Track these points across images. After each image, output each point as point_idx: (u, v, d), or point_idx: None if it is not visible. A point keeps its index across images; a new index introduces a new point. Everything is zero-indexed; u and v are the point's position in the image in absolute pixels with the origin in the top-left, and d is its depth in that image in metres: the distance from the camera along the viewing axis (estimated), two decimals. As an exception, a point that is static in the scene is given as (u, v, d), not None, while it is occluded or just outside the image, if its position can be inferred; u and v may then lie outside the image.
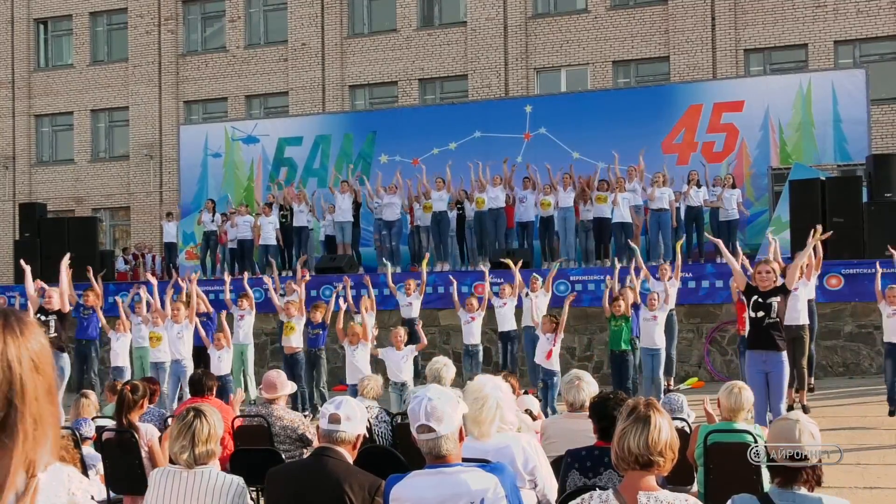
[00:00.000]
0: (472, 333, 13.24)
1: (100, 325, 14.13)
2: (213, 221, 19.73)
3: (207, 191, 22.60)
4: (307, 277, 14.69)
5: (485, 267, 15.60)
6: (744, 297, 8.96)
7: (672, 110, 19.68)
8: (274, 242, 18.78)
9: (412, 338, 12.96)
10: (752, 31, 22.85)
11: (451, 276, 14.46)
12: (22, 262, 10.56)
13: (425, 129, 21.17)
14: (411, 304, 14.38)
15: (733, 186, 17.02)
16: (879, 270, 11.79)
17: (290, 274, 18.97)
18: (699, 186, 17.03)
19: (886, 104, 21.70)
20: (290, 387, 7.62)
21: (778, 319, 8.50)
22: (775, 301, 8.46)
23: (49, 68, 29.55)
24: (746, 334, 9.64)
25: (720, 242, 10.38)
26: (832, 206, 15.44)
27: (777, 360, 8.46)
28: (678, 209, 17.10)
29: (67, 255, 10.67)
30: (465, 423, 3.90)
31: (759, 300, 8.50)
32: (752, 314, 8.53)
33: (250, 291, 14.40)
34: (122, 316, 13.43)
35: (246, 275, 14.66)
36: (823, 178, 16.35)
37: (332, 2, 26.15)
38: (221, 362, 12.43)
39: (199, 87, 27.59)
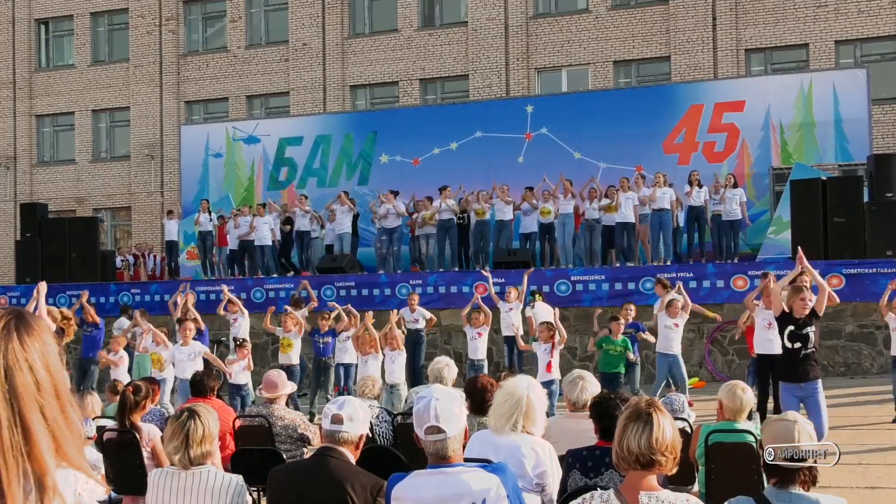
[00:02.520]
0: (478, 349, 13.26)
1: (101, 345, 14.20)
2: (210, 222, 19.72)
3: (208, 191, 22.61)
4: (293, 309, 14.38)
5: (486, 272, 15.53)
6: (775, 323, 8.41)
7: (673, 110, 19.67)
8: (269, 243, 18.80)
9: (415, 352, 13.39)
10: (753, 30, 22.84)
11: (475, 293, 14.34)
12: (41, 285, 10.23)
13: (426, 129, 21.17)
14: (417, 321, 14.62)
15: (735, 186, 17.00)
16: (890, 287, 11.45)
17: (291, 275, 19.03)
18: (700, 186, 17.03)
19: (887, 104, 21.70)
20: (291, 386, 7.66)
21: (814, 349, 8.09)
22: (811, 331, 8.05)
23: (50, 68, 29.57)
24: (755, 355, 9.63)
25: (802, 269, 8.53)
26: (833, 205, 15.44)
27: (813, 387, 8.10)
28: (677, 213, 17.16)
29: (41, 283, 10.53)
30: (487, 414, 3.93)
31: (796, 331, 8.02)
32: (789, 345, 8.04)
33: (234, 297, 14.40)
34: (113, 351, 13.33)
35: (226, 291, 14.64)
36: (825, 178, 16.34)
37: (333, 2, 26.16)
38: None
39: (200, 87, 27.61)
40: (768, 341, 10.18)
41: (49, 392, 1.53)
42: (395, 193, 18.47)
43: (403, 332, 12.73)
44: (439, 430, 3.23)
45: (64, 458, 1.53)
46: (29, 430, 1.50)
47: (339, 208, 18.66)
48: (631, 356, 12.15)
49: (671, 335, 12.31)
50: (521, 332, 13.10)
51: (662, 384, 12.37)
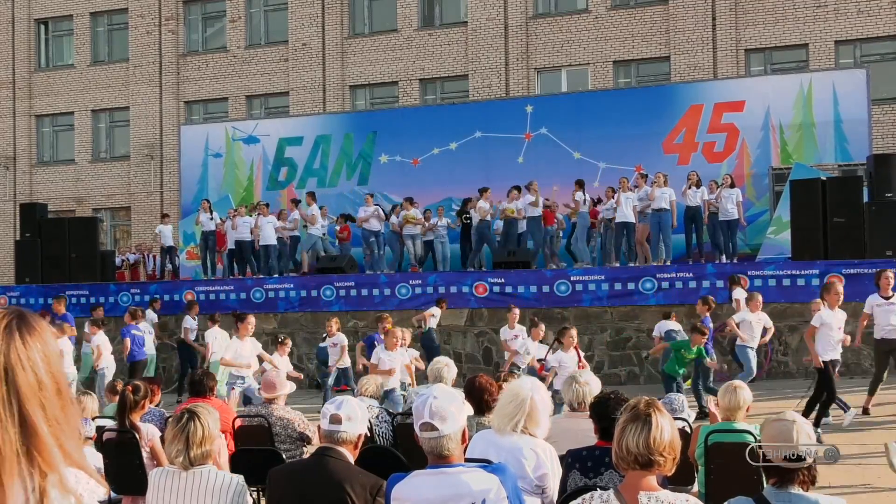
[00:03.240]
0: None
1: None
2: (211, 220, 19.71)
3: (208, 191, 22.61)
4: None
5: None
6: None
7: (673, 110, 19.67)
8: (274, 242, 18.82)
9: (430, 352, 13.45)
10: (752, 31, 22.84)
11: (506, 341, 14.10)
12: None
13: (426, 129, 21.18)
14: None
15: (732, 186, 16.98)
16: None
17: (291, 275, 19.06)
18: (698, 187, 17.01)
19: (887, 104, 21.70)
20: (290, 386, 7.66)
21: None
22: None
23: (50, 68, 29.57)
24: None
25: None
26: (833, 206, 15.43)
27: None
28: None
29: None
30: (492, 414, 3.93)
31: None
32: None
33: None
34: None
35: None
36: (824, 178, 16.34)
37: (333, 2, 26.16)
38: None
39: (200, 87, 27.60)
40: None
41: (51, 391, 1.54)
42: (372, 196, 18.71)
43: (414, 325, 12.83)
44: (433, 428, 3.23)
45: (66, 457, 1.54)
46: (34, 429, 1.50)
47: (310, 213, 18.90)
48: (708, 361, 12.06)
49: (756, 328, 12.46)
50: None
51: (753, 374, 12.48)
